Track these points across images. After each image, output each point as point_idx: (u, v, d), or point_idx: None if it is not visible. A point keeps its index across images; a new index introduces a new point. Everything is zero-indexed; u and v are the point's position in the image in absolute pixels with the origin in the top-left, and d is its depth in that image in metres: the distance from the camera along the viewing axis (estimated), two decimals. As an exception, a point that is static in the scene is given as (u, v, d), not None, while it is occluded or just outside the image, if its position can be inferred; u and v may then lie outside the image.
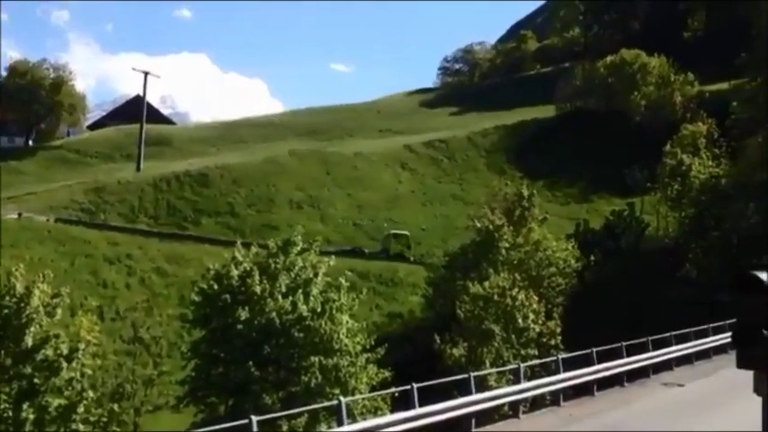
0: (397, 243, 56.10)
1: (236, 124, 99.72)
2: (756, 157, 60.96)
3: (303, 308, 27.17)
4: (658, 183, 62.08)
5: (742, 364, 7.56)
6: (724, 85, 79.80)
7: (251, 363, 25.78)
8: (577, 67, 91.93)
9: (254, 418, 13.92)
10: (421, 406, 16.79)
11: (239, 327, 26.51)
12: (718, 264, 54.11)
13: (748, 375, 26.65)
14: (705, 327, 30.94)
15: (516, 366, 22.39)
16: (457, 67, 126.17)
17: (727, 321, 32.98)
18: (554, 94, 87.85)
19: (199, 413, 26.53)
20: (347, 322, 27.91)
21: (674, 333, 28.38)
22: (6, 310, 21.95)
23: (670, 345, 27.74)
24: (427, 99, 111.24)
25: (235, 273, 27.82)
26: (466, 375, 19.60)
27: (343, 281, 28.60)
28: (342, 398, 16.85)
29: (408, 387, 16.96)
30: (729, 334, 31.74)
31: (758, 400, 21.40)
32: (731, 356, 29.20)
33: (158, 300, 40.86)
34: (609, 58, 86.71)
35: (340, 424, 15.50)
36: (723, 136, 64.27)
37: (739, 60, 64.59)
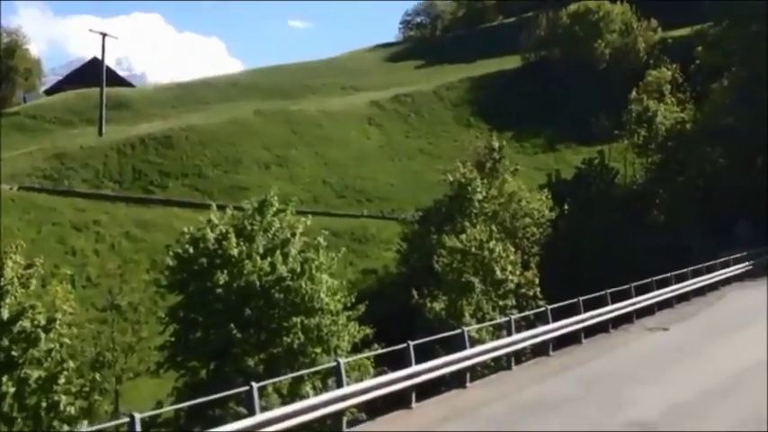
0: None
1: (196, 85, 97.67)
2: (721, 102, 61.54)
3: (282, 268, 26.77)
4: (625, 130, 62.37)
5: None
6: (686, 31, 79.98)
7: (232, 325, 25.41)
8: (540, 16, 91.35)
9: (255, 385, 13.57)
10: (403, 365, 16.59)
11: (218, 290, 26.07)
12: (684, 208, 54.91)
13: (728, 318, 27.11)
14: (684, 270, 31.19)
15: (507, 319, 22.32)
16: (419, 20, 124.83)
17: (705, 264, 33.43)
18: (518, 44, 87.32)
19: (180, 378, 26.11)
20: (327, 281, 27.61)
21: (656, 278, 28.54)
22: (-22, 283, 21.21)
23: (651, 290, 27.90)
24: (390, 54, 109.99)
25: (211, 236, 27.24)
26: (459, 331, 19.45)
27: (321, 240, 28.22)
28: (340, 359, 16.60)
29: (405, 345, 16.75)
30: (705, 278, 32.31)
31: (739, 343, 21.67)
32: (709, 299, 29.73)
33: (129, 266, 40.06)
34: (572, 7, 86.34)
35: (340, 385, 15.25)
36: (687, 81, 64.59)
37: (703, 5, 64.69)
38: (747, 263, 37.44)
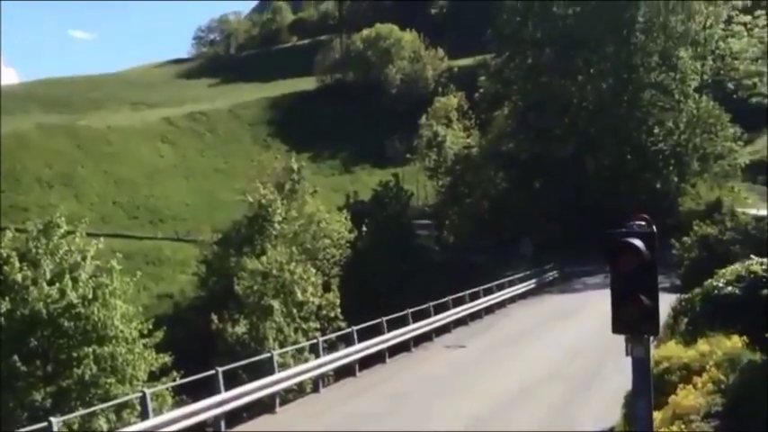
0: None
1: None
2: (503, 129, 65.82)
3: (72, 295, 25.19)
4: (417, 153, 65.03)
5: (617, 328, 7.77)
6: (469, 60, 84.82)
7: (15, 357, 23.54)
8: (335, 39, 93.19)
9: (54, 420, 12.61)
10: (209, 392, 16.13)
11: (-1, 319, 24.08)
12: (471, 228, 58.10)
13: (516, 333, 28.66)
14: (477, 289, 32.78)
15: (314, 341, 22.30)
16: (212, 37, 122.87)
17: (494, 283, 35.41)
18: (313, 66, 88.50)
19: (-46, 417, 23.70)
20: (121, 307, 26.28)
21: (452, 297, 29.78)
22: None
23: (448, 308, 29.05)
24: (182, 70, 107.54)
25: (-11, 260, 25.11)
26: (267, 354, 19.18)
27: (115, 263, 26.82)
28: (146, 390, 15.77)
29: (212, 372, 16.24)
30: (494, 296, 34.16)
31: (528, 356, 23.11)
32: (498, 316, 31.30)
33: None
34: (365, 32, 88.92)
35: (145, 416, 14.50)
36: (472, 109, 68.47)
37: (485, 36, 68.93)
38: (530, 281, 40.08)
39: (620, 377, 10.39)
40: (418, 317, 26.50)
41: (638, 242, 7.77)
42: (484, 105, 67.94)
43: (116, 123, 71.42)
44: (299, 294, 33.57)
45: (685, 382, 11.75)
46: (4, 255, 25.10)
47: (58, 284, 24.99)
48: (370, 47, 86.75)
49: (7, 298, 24.19)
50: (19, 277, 24.60)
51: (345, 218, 45.21)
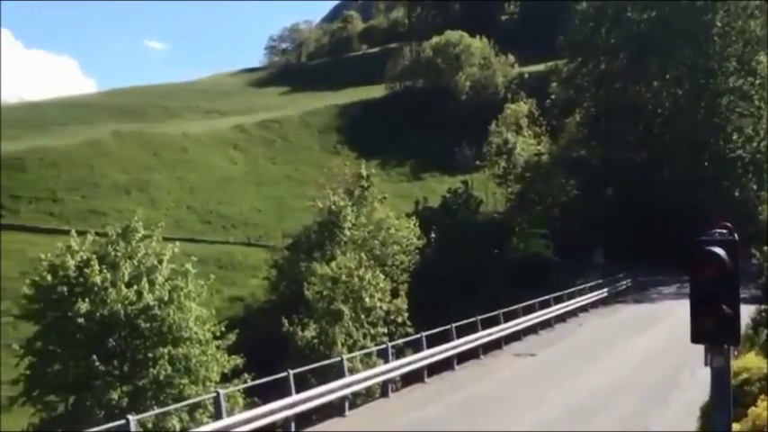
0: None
1: (47, 104, 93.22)
2: (575, 135, 64.96)
3: (149, 297, 25.87)
4: (486, 160, 64.54)
5: (696, 338, 7.63)
6: (540, 67, 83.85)
7: (94, 357, 24.27)
8: (404, 47, 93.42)
9: (131, 418, 12.94)
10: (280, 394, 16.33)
11: (79, 320, 24.85)
12: (541, 236, 57.20)
13: (588, 343, 28.18)
14: (547, 297, 32.40)
15: (384, 346, 22.41)
16: (284, 46, 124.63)
17: (565, 291, 34.92)
18: (383, 73, 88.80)
19: (37, 412, 24.67)
20: (195, 310, 26.86)
21: (522, 305, 29.51)
22: None
23: (518, 316, 28.80)
24: (255, 78, 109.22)
25: (71, 263, 26.00)
26: (338, 359, 19.33)
27: (189, 267, 27.46)
28: (220, 390, 16.08)
29: (284, 374, 16.47)
30: (564, 305, 33.67)
31: (602, 367, 22.70)
32: (570, 325, 30.90)
33: (-23, 295, 37.49)
34: (434, 39, 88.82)
35: (218, 417, 14.80)
36: (543, 115, 67.63)
37: (557, 42, 68.18)
38: (602, 290, 39.41)
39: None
40: (487, 324, 26.33)
41: (719, 250, 7.60)
42: (555, 112, 67.08)
43: (190, 131, 73.00)
44: (366, 300, 33.74)
45: (765, 393, 11.46)
46: (85, 258, 25.92)
47: (135, 287, 25.71)
48: (440, 54, 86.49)
49: (87, 299, 24.96)
50: (98, 279, 25.37)
51: (414, 224, 45.18)
